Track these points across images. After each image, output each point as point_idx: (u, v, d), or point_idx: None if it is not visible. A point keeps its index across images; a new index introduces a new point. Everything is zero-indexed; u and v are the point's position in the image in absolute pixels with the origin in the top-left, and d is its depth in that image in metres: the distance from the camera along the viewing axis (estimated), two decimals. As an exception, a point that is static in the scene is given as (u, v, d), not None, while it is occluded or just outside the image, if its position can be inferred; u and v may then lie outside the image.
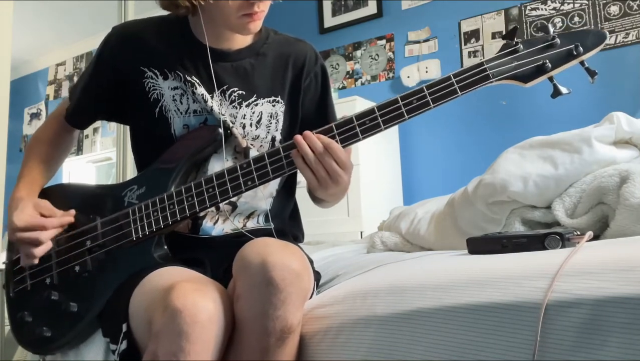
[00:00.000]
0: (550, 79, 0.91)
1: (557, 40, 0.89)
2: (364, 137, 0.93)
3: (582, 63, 0.90)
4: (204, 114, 1.06)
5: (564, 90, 0.90)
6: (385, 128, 0.92)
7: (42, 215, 1.02)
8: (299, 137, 0.92)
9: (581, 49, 0.88)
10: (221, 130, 1.03)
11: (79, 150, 4.84)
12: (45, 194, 1.11)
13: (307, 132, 0.92)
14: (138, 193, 1.03)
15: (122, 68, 1.08)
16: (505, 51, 0.91)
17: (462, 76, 0.90)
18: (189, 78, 1.06)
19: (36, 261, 1.01)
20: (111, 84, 1.10)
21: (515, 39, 0.91)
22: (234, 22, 0.99)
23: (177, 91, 1.06)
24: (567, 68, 0.90)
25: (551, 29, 0.90)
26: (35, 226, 0.99)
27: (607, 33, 0.87)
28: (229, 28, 1.03)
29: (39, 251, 0.99)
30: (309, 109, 1.14)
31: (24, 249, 1.00)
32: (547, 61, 0.89)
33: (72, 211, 1.04)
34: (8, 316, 1.07)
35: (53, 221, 1.01)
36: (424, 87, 0.91)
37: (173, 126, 1.06)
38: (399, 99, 0.91)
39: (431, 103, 0.90)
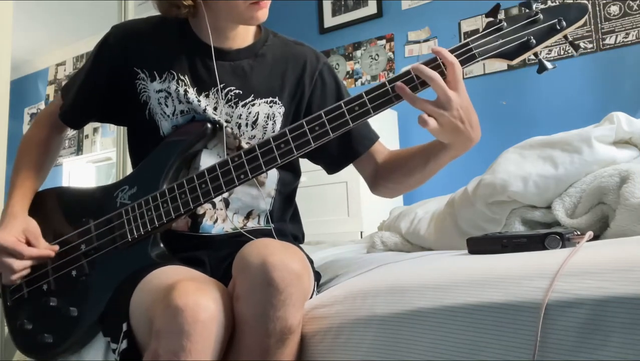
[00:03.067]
0: (535, 54, 0.91)
1: (540, 16, 0.89)
2: (354, 125, 0.92)
3: (565, 37, 0.91)
4: (192, 113, 1.06)
5: (549, 65, 0.90)
6: (375, 113, 0.91)
7: (28, 241, 1.02)
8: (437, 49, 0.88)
9: (564, 23, 0.89)
10: (210, 125, 1.03)
11: (79, 150, 4.83)
12: (38, 198, 1.11)
13: (440, 49, 0.88)
14: (130, 193, 1.03)
15: (117, 68, 1.08)
16: (490, 30, 0.90)
17: None
18: (181, 77, 1.06)
19: (14, 282, 1.03)
20: (106, 83, 1.10)
21: (498, 17, 0.91)
22: (242, 12, 0.99)
23: (162, 94, 1.06)
24: (551, 42, 0.91)
25: (534, 5, 0.90)
26: (14, 252, 1.00)
27: (589, 4, 0.89)
28: (236, 20, 1.03)
29: (12, 277, 1.01)
30: (323, 107, 1.12)
31: (2, 269, 1.02)
32: (532, 37, 0.89)
33: (56, 247, 1.04)
34: (7, 325, 1.06)
35: (32, 252, 1.01)
36: (411, 70, 0.90)
37: (162, 129, 1.07)
38: (386, 82, 0.91)
39: (419, 87, 0.89)
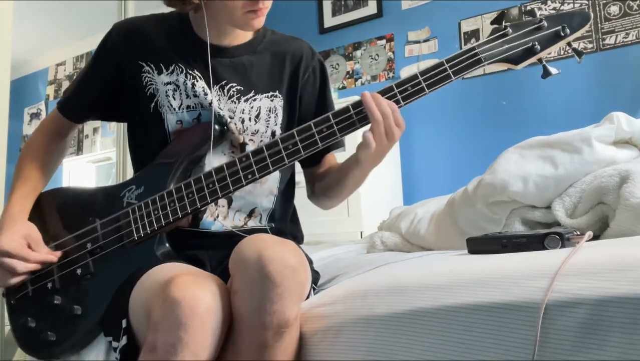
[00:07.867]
0: (540, 60, 0.94)
1: (545, 23, 0.92)
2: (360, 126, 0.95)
3: (569, 44, 0.94)
4: (198, 109, 1.07)
5: (553, 70, 0.93)
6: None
7: (29, 246, 1.02)
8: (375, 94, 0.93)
9: (568, 30, 0.92)
10: (217, 126, 1.04)
11: (79, 150, 4.83)
12: (42, 199, 1.11)
13: (377, 95, 0.93)
14: (137, 192, 1.03)
15: (122, 62, 1.09)
16: (495, 35, 0.93)
17: (455, 61, 0.93)
18: (190, 72, 1.06)
19: (13, 285, 1.02)
20: (110, 77, 1.10)
21: (503, 23, 0.93)
22: (239, 18, 1.00)
23: (170, 87, 1.07)
24: (555, 49, 0.93)
25: (537, 13, 0.93)
26: (17, 255, 1.00)
27: (591, 13, 0.92)
28: (233, 24, 1.04)
29: (13, 280, 1.01)
30: (308, 103, 1.15)
31: (2, 273, 1.02)
32: (536, 43, 0.92)
33: (59, 253, 1.04)
34: (10, 323, 1.06)
35: (35, 256, 1.02)
36: (418, 74, 0.92)
37: (166, 122, 1.07)
38: (393, 86, 0.94)
39: (426, 89, 0.92)
